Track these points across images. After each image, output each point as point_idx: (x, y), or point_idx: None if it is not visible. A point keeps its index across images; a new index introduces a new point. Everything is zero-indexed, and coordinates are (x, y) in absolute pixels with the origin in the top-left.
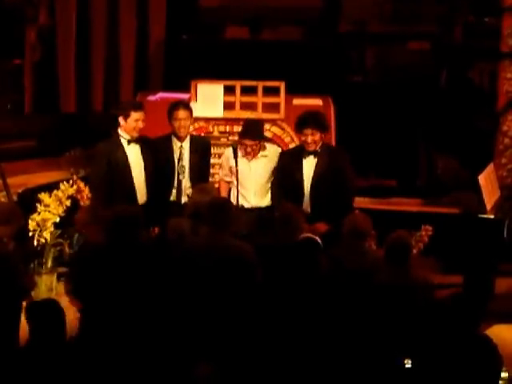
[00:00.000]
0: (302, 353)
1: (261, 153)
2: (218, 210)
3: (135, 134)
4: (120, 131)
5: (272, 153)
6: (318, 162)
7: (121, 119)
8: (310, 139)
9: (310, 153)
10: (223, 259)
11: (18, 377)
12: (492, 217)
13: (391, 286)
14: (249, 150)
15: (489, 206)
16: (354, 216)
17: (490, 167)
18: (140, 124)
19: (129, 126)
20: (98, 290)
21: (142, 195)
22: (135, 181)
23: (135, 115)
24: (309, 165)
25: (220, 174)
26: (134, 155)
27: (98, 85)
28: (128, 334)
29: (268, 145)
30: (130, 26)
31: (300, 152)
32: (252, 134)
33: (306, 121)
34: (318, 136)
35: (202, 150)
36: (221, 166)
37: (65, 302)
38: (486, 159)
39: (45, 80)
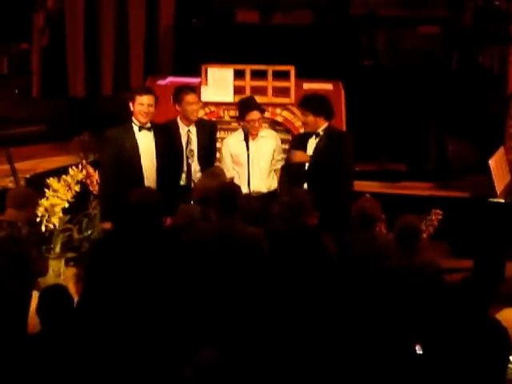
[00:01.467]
0: (310, 337)
1: (259, 134)
2: (226, 194)
3: (142, 120)
4: (133, 118)
5: (270, 134)
6: (317, 144)
7: (130, 105)
8: (302, 119)
9: (313, 135)
10: (234, 244)
11: (30, 363)
12: (502, 200)
13: (401, 269)
14: (256, 124)
15: (499, 190)
16: (363, 201)
17: (501, 151)
18: (145, 109)
19: (134, 111)
20: (111, 273)
21: (150, 182)
22: (144, 168)
23: (139, 99)
24: (311, 148)
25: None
26: (145, 142)
27: (107, 69)
28: (135, 320)
29: (265, 128)
30: (139, 10)
31: (306, 136)
32: (258, 107)
33: (299, 102)
34: (309, 118)
35: (208, 132)
36: (219, 159)
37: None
38: (497, 143)
39: (53, 64)
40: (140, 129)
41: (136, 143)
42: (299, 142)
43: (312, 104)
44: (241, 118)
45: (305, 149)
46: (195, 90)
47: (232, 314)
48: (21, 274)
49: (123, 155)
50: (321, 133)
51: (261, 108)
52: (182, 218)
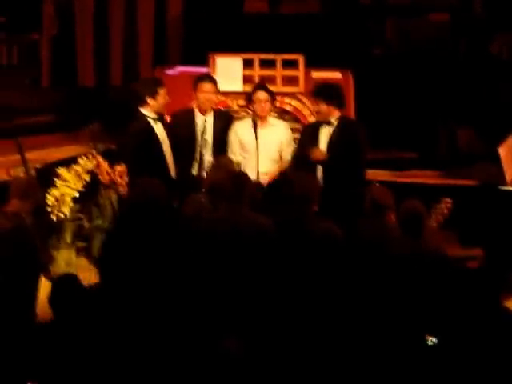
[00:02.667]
0: (320, 325)
1: (268, 121)
2: (235, 184)
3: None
4: (145, 111)
5: (278, 124)
6: (332, 133)
7: (148, 99)
8: (314, 108)
9: (325, 123)
10: (243, 233)
11: (41, 352)
12: None
13: (405, 256)
14: (263, 104)
15: (509, 178)
16: (375, 189)
17: (510, 139)
18: (168, 99)
19: (158, 104)
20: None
21: (172, 170)
22: (167, 157)
23: (163, 91)
24: (325, 136)
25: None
26: (161, 133)
27: (116, 58)
28: (151, 310)
29: (274, 118)
30: (148, 0)
31: (318, 124)
32: (265, 87)
33: (313, 90)
34: (322, 106)
35: (225, 124)
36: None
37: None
38: (506, 131)
39: (63, 54)
40: (155, 120)
41: (156, 134)
42: (311, 131)
43: (325, 92)
44: (249, 100)
45: (317, 138)
46: (214, 80)
47: (244, 303)
48: (26, 264)
49: (147, 147)
50: (334, 122)
51: (269, 90)
52: (191, 209)
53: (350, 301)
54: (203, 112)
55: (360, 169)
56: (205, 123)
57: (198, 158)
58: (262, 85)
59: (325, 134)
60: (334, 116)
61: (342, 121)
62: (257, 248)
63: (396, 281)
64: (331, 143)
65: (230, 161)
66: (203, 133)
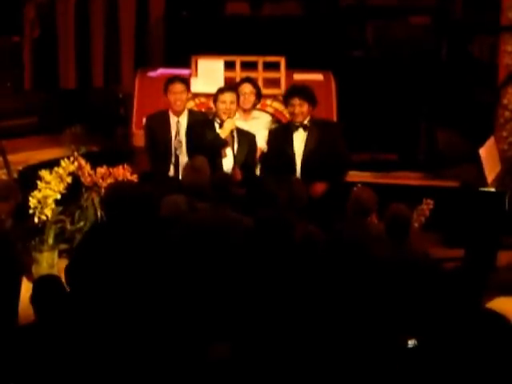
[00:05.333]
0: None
1: (251, 114)
2: (220, 185)
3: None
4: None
5: (263, 117)
6: (308, 136)
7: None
8: (297, 110)
9: (299, 126)
10: (227, 234)
11: (23, 354)
12: (493, 190)
13: (391, 260)
14: (246, 97)
15: (490, 179)
16: (358, 191)
17: (491, 140)
18: (228, 106)
19: (217, 109)
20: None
21: None
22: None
23: (221, 97)
24: (299, 140)
25: None
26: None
27: (98, 61)
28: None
29: (258, 110)
30: (130, 2)
31: (289, 127)
32: (251, 81)
33: (293, 91)
34: (305, 107)
35: (200, 124)
36: None
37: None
38: (487, 132)
39: (44, 57)
40: (220, 126)
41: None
42: (283, 135)
43: (308, 93)
44: (214, 101)
45: (291, 142)
46: (184, 80)
47: (229, 306)
48: (6, 266)
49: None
50: (307, 123)
51: (255, 83)
52: (168, 210)
53: (332, 303)
54: (176, 113)
55: (344, 169)
56: (178, 124)
57: (173, 160)
58: (248, 78)
59: (300, 139)
60: (308, 117)
61: (317, 123)
62: (239, 249)
63: (379, 283)
64: (309, 147)
65: (204, 162)
66: (177, 134)
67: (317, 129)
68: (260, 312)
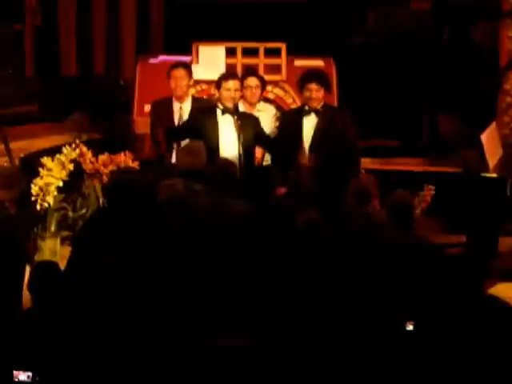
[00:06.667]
0: (304, 315)
1: (256, 107)
2: (225, 171)
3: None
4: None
5: (267, 109)
6: (319, 121)
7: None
8: (314, 94)
9: (311, 111)
10: (227, 220)
11: (21, 338)
12: (495, 175)
13: (394, 245)
14: (253, 91)
15: (491, 165)
16: (359, 177)
17: (493, 126)
18: (232, 94)
19: (221, 96)
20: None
21: None
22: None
23: (225, 84)
24: (309, 124)
25: None
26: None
27: (99, 48)
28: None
29: (263, 103)
30: None
31: (300, 112)
32: (256, 74)
33: (311, 76)
34: (321, 93)
35: (204, 111)
36: None
37: None
38: (489, 118)
39: (46, 44)
40: (223, 112)
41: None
42: (293, 119)
43: (325, 79)
44: (218, 87)
45: (300, 126)
46: (187, 66)
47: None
48: (11, 254)
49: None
50: (320, 108)
51: (260, 76)
52: (166, 194)
53: (335, 290)
54: (179, 99)
55: (355, 156)
56: (180, 111)
57: (175, 146)
58: (252, 71)
59: (310, 123)
60: (322, 103)
61: (329, 109)
62: (240, 234)
63: (382, 268)
64: (318, 132)
65: (201, 146)
66: (180, 120)
67: (328, 114)
68: (261, 298)
